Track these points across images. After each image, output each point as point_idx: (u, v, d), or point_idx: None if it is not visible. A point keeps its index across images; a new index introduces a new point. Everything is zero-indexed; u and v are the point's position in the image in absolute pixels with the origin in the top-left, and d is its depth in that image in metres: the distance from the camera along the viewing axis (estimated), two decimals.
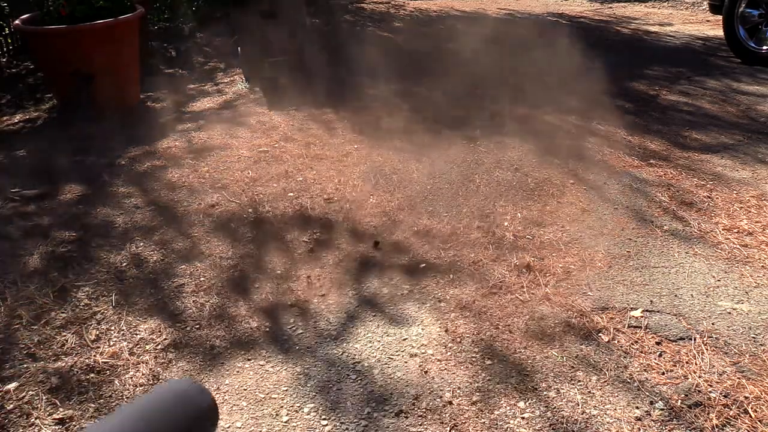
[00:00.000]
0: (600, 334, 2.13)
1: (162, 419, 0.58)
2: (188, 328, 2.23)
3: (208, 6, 6.40)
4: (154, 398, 0.61)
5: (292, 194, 3.14)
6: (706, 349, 2.03)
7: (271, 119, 4.15)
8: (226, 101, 4.61)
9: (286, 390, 1.93)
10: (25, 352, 2.11)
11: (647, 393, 1.86)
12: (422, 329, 2.17)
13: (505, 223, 2.86)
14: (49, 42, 4.20)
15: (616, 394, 1.86)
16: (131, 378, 1.99)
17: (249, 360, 2.06)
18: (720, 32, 5.63)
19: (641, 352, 2.04)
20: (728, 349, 2.03)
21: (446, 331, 2.16)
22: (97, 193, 3.23)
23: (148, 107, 4.53)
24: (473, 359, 2.02)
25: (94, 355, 2.09)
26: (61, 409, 1.87)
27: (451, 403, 1.85)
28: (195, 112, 4.40)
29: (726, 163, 3.41)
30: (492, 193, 3.12)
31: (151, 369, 2.03)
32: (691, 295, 2.31)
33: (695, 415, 1.77)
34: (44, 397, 1.91)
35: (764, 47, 5.14)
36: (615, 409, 1.81)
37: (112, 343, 2.14)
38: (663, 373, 1.94)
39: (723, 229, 2.74)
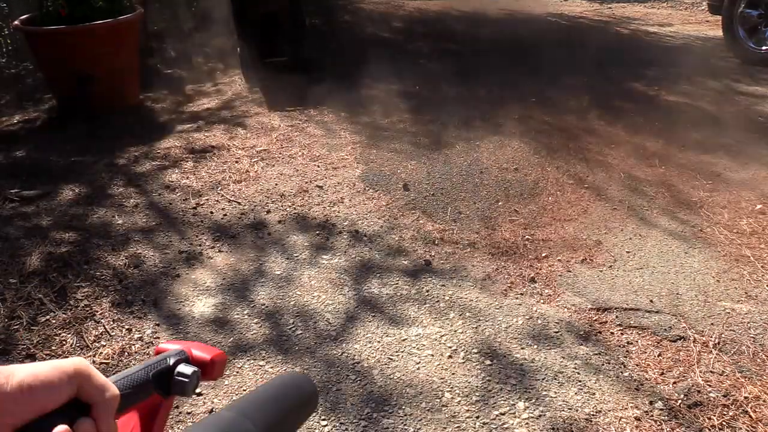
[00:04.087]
0: (600, 334, 2.13)
1: (285, 399, 0.78)
2: (188, 329, 2.22)
3: (207, 6, 6.40)
4: (277, 383, 0.81)
5: (291, 195, 3.14)
6: (706, 349, 2.03)
7: (271, 119, 4.15)
8: (226, 101, 4.61)
9: None
10: (24, 353, 2.11)
11: (647, 393, 1.86)
12: (422, 330, 2.17)
13: (505, 223, 2.86)
14: (49, 43, 4.20)
15: (615, 394, 1.86)
16: None
17: (248, 360, 2.06)
18: (719, 33, 5.64)
19: (641, 352, 2.04)
20: (728, 349, 2.03)
21: (446, 331, 2.16)
22: (97, 193, 3.22)
23: (147, 108, 4.53)
24: (473, 359, 2.02)
25: (94, 356, 2.08)
26: None
27: (450, 403, 1.85)
28: (194, 113, 4.40)
29: (725, 163, 3.41)
30: (491, 193, 3.12)
31: None
32: (691, 295, 2.31)
33: (695, 415, 1.77)
34: None
35: (763, 47, 5.14)
36: (615, 409, 1.81)
37: (111, 344, 2.14)
38: (663, 373, 1.94)
39: (723, 229, 2.74)
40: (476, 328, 2.17)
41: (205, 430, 0.70)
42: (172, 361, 0.57)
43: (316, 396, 0.82)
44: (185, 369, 0.56)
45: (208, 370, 0.58)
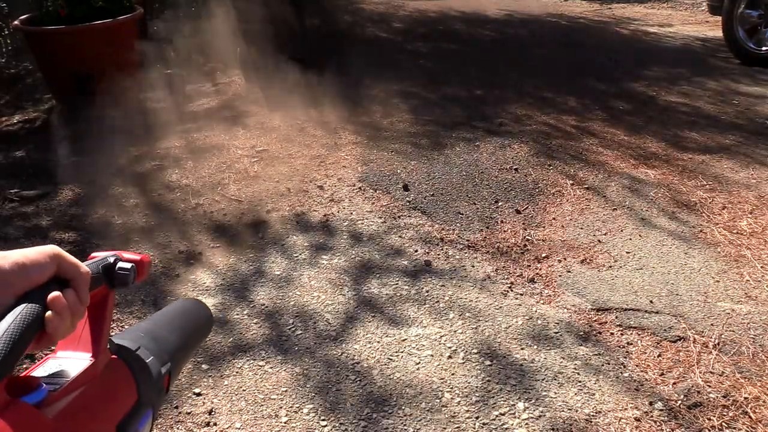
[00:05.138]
0: (599, 335, 2.13)
1: (191, 319, 0.88)
2: None
3: (207, 6, 6.40)
4: (180, 306, 0.91)
5: (291, 195, 3.14)
6: (706, 350, 2.03)
7: (271, 120, 4.15)
8: (226, 101, 4.61)
9: (286, 391, 1.93)
10: (23, 354, 2.10)
11: (647, 393, 1.86)
12: (421, 330, 2.17)
13: (505, 223, 2.86)
14: (49, 42, 4.20)
15: (615, 395, 1.86)
16: None
17: (248, 361, 2.06)
18: (719, 33, 5.63)
19: (641, 352, 2.04)
20: (728, 350, 2.03)
21: (446, 331, 2.16)
22: (97, 193, 3.22)
23: (147, 107, 4.52)
24: (472, 360, 2.02)
25: None
26: None
27: (450, 403, 1.85)
28: (194, 113, 4.40)
29: (725, 164, 3.41)
30: (491, 193, 3.12)
31: None
32: (691, 295, 2.31)
33: (695, 416, 1.77)
34: None
35: (763, 48, 5.14)
36: (614, 410, 1.81)
37: None
38: (662, 374, 1.94)
39: (722, 230, 2.74)
40: (476, 328, 2.17)
41: (135, 333, 0.80)
42: (112, 260, 0.69)
43: (212, 319, 0.95)
44: (124, 264, 0.69)
45: (139, 269, 0.71)
